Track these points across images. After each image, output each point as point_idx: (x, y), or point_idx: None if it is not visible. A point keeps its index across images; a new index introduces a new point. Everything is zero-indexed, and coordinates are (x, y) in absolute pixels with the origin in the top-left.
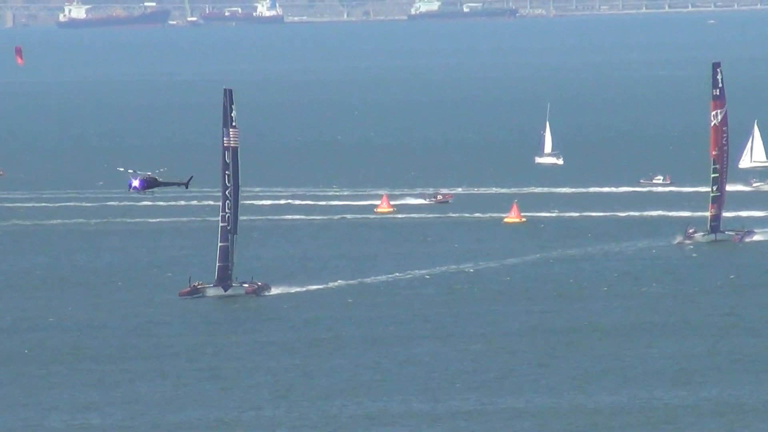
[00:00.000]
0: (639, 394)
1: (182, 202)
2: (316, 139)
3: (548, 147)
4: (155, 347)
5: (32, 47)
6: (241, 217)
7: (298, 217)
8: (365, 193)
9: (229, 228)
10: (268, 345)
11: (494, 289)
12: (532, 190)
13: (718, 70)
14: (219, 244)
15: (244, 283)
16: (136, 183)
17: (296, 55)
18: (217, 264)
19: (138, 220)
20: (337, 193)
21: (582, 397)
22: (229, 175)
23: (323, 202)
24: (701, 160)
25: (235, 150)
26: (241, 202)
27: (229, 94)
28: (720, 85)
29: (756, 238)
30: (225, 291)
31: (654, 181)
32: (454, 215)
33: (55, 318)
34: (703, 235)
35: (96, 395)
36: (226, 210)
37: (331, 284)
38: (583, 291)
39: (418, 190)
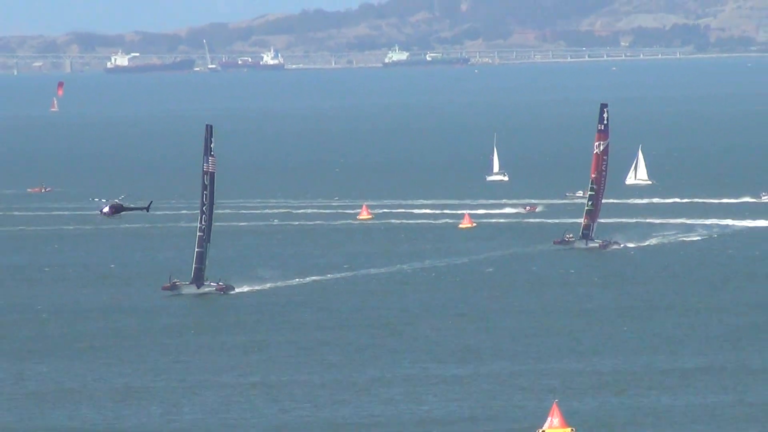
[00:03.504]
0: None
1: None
2: (309, 160)
3: (496, 167)
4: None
5: (85, 89)
6: (253, 223)
7: (303, 223)
8: (349, 203)
9: (204, 237)
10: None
11: (458, 280)
12: (481, 202)
13: (605, 109)
14: (195, 249)
15: (213, 282)
16: (106, 209)
17: (295, 95)
18: (194, 266)
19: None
20: (326, 203)
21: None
22: (206, 194)
23: (315, 211)
24: (611, 178)
25: (212, 174)
26: (250, 211)
27: (209, 129)
28: (605, 122)
29: (616, 247)
30: (198, 289)
31: (576, 195)
32: (421, 221)
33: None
34: (576, 240)
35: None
36: (203, 222)
37: (307, 279)
38: (539, 281)
39: (397, 201)
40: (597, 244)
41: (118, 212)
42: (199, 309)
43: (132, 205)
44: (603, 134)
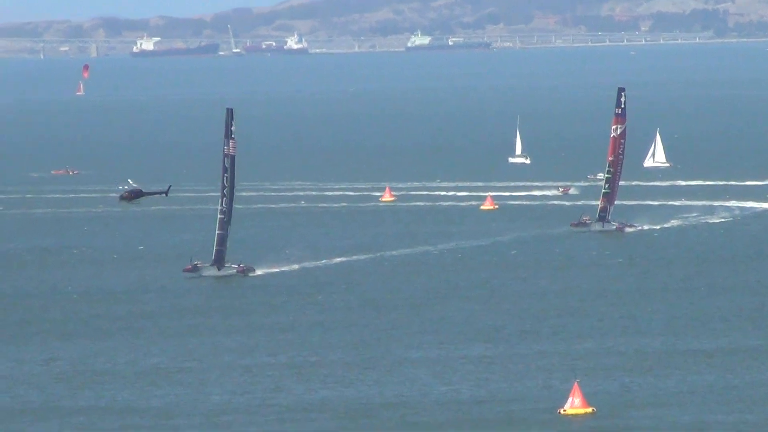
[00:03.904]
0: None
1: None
2: (334, 142)
3: (518, 150)
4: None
5: (110, 73)
6: (282, 204)
7: (325, 205)
8: (372, 185)
9: (225, 219)
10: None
11: (479, 261)
12: (505, 184)
13: (622, 93)
14: (216, 231)
15: (234, 264)
16: (124, 195)
17: (318, 78)
18: (215, 248)
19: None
20: (349, 186)
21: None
22: (227, 177)
23: (338, 193)
24: (629, 161)
25: (232, 157)
26: (276, 193)
27: (230, 113)
28: (622, 105)
29: (631, 229)
30: (219, 270)
31: (598, 177)
32: (443, 204)
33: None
34: (594, 222)
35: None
36: (223, 205)
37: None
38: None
39: (419, 183)
40: (614, 227)
41: (137, 197)
42: (223, 290)
43: (151, 191)
44: (620, 118)
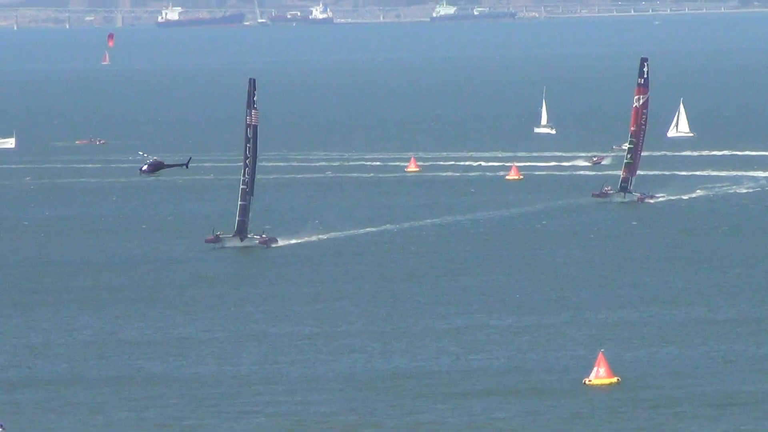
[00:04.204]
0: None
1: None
2: (359, 113)
3: (544, 120)
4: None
5: (136, 43)
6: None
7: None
8: (397, 155)
9: (247, 190)
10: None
11: (493, 233)
12: (530, 154)
13: (645, 63)
14: (239, 202)
15: (256, 235)
16: (145, 167)
17: (344, 48)
18: (237, 218)
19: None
20: (374, 156)
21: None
22: (249, 147)
23: (363, 163)
24: (653, 133)
25: (255, 127)
26: (301, 164)
27: (253, 83)
28: (645, 76)
29: (653, 200)
30: (241, 242)
31: (623, 147)
32: (467, 174)
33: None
34: (615, 193)
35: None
36: (245, 175)
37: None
38: (575, 234)
39: (445, 154)
40: (635, 197)
41: (158, 170)
42: (246, 261)
43: (172, 163)
44: (643, 88)
